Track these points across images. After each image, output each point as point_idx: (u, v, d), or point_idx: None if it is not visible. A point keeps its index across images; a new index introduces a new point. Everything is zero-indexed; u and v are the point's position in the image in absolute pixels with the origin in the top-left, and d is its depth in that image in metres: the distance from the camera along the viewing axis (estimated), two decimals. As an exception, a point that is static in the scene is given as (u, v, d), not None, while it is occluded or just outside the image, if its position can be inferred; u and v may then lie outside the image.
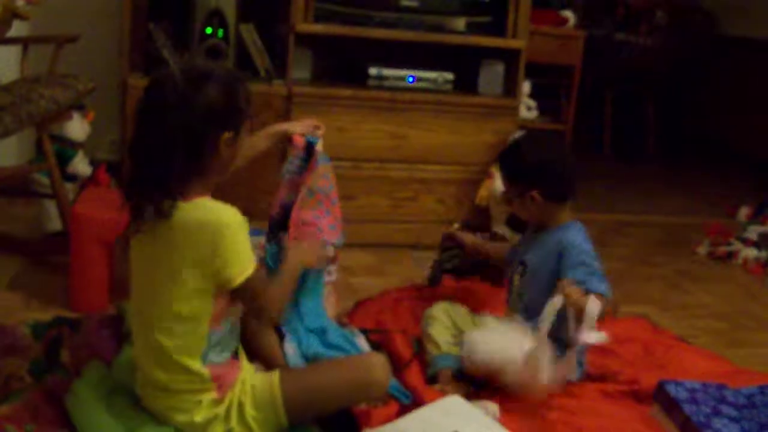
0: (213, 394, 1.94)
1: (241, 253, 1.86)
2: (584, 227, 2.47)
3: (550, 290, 2.25)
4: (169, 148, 1.80)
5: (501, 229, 3.62)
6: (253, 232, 3.32)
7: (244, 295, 1.92)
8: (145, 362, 1.96)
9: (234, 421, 1.95)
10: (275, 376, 2.00)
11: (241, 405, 1.96)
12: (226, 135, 1.86)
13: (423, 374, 2.40)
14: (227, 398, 1.95)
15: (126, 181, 1.89)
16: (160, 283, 1.88)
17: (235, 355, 2.02)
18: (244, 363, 2.05)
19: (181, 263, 1.85)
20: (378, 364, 2.05)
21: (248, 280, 1.88)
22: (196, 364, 1.91)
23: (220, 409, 1.94)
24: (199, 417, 1.93)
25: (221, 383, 1.94)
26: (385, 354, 2.31)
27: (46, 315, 2.54)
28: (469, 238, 2.88)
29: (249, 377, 2.00)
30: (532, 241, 2.52)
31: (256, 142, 2.37)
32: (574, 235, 2.40)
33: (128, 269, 1.98)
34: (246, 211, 1.90)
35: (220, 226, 1.83)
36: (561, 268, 2.33)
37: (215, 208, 1.87)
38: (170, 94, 1.81)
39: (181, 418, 1.94)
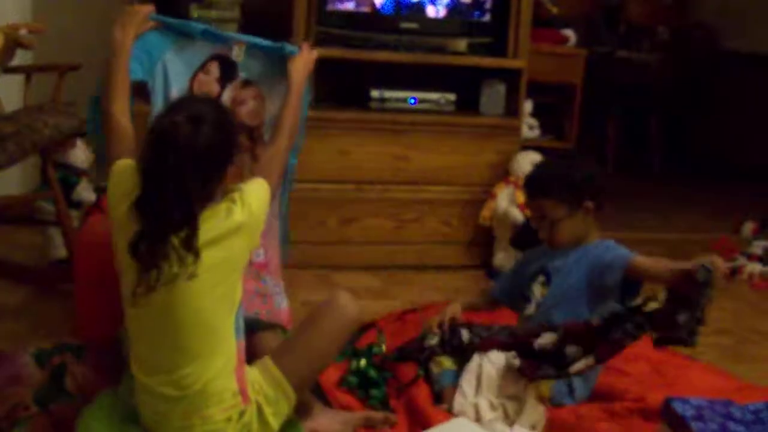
0: (240, 406, 1.94)
1: (252, 196, 2.00)
2: None
3: (581, 303, 2.36)
4: (186, 189, 1.85)
5: (505, 249, 3.62)
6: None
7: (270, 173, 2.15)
8: (169, 398, 1.93)
9: (255, 425, 1.97)
10: (266, 359, 2.04)
11: (259, 406, 1.98)
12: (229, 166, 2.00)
13: (430, 395, 2.40)
14: (249, 405, 1.96)
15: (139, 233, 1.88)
16: (195, 310, 1.90)
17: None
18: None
19: (218, 275, 1.92)
20: (346, 300, 2.15)
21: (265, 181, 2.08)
22: (229, 378, 1.93)
23: (247, 418, 1.96)
24: None
25: (242, 387, 1.95)
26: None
27: (52, 343, 2.54)
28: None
29: (251, 374, 2.01)
30: (559, 255, 2.49)
31: None
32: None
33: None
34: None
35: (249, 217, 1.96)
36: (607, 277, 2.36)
37: (229, 215, 1.95)
38: (180, 141, 1.86)
39: None
